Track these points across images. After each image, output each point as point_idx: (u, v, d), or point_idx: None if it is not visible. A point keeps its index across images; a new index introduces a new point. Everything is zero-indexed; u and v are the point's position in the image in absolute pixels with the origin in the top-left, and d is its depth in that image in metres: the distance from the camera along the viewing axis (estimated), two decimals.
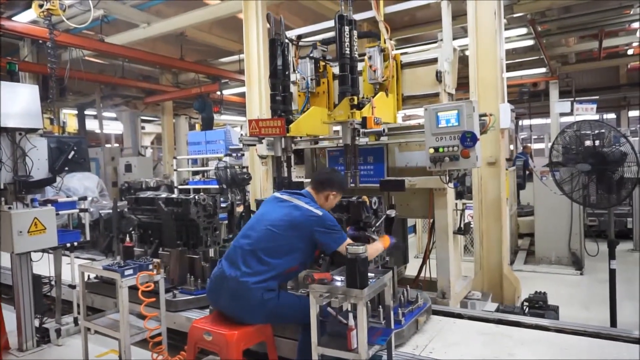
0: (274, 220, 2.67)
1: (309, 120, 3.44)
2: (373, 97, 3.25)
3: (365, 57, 3.45)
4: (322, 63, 3.86)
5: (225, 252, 2.79)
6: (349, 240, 2.64)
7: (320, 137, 4.55)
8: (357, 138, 3.17)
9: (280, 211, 2.71)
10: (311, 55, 3.78)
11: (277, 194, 2.94)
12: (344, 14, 3.05)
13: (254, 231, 2.69)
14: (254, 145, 3.58)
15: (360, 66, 3.44)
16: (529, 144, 14.50)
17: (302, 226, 2.62)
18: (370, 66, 3.43)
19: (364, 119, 2.93)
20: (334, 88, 3.95)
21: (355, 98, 3.02)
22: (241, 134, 3.83)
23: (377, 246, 2.77)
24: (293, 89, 3.82)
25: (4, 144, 3.52)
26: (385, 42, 3.47)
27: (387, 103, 3.41)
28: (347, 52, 3.06)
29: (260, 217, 2.78)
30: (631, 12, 7.94)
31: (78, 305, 3.91)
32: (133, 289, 3.01)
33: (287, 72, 3.44)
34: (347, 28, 3.05)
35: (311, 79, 3.74)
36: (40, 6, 5.67)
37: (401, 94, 3.63)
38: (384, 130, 3.02)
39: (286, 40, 3.42)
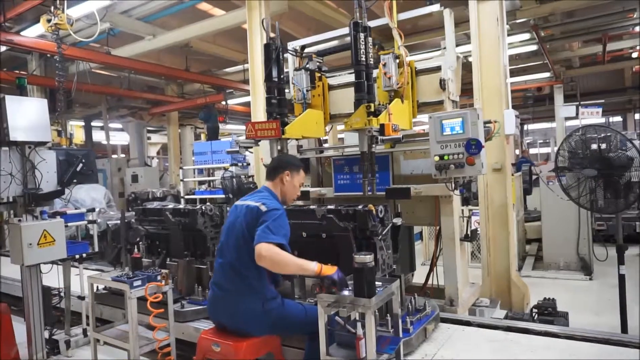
0: (234, 230, 2.61)
1: (304, 123, 3.48)
2: (388, 104, 3.25)
3: (380, 64, 3.46)
4: (317, 74, 3.91)
5: (212, 277, 2.76)
6: (273, 247, 2.31)
7: (326, 146, 4.60)
8: (373, 145, 3.17)
9: (237, 218, 2.65)
10: (307, 66, 3.83)
11: (238, 202, 2.80)
12: (358, 21, 3.05)
13: (225, 247, 2.66)
14: (251, 147, 3.63)
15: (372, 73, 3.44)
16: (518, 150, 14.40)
17: (252, 224, 2.50)
18: (385, 73, 3.42)
19: (382, 126, 2.92)
20: (330, 100, 4.02)
21: (372, 105, 3.02)
22: (237, 137, 3.89)
23: (310, 266, 2.35)
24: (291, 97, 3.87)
25: (13, 157, 3.57)
26: (399, 49, 3.48)
27: (402, 110, 3.41)
28: (363, 59, 3.06)
29: (227, 230, 2.72)
30: (635, 16, 7.93)
31: (87, 317, 3.94)
32: (141, 299, 3.03)
33: (282, 76, 3.48)
34: (362, 35, 3.05)
35: (307, 90, 3.80)
36: (48, 21, 5.78)
37: (416, 100, 3.63)
38: (402, 137, 3.02)
39: (280, 44, 3.46)
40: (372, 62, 3.15)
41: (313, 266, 2.35)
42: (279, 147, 3.43)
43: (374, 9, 3.23)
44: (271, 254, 2.29)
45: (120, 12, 7.11)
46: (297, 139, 3.88)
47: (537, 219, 7.41)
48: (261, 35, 5.65)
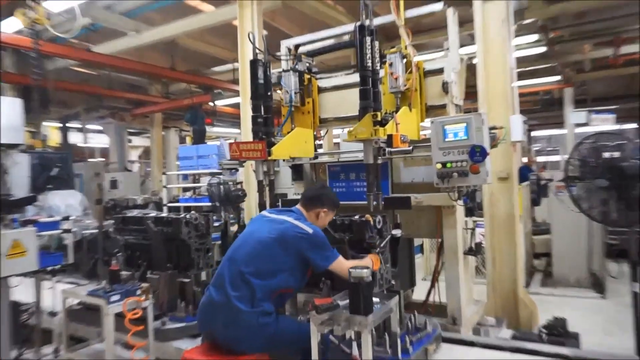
0: (260, 238, 2.72)
1: (292, 142, 3.52)
2: (395, 111, 3.26)
3: (386, 64, 3.48)
4: (307, 76, 3.94)
5: (212, 278, 2.82)
6: (341, 258, 2.72)
7: (320, 151, 4.61)
8: (379, 157, 3.11)
9: (266, 229, 2.76)
10: (295, 67, 3.85)
11: (265, 212, 3.03)
12: (365, 24, 3.03)
13: (240, 252, 2.73)
14: (236, 169, 3.66)
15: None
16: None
17: (290, 243, 2.67)
18: (392, 73, 3.43)
19: (390, 137, 2.92)
20: (319, 103, 4.06)
21: (379, 114, 3.00)
22: (220, 159, 3.92)
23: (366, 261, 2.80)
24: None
25: None
26: (406, 48, 3.50)
27: (410, 118, 3.41)
28: (369, 64, 3.04)
29: (246, 237, 2.82)
30: None
31: (59, 335, 3.89)
32: (119, 316, 3.00)
33: (269, 93, 3.53)
34: (368, 39, 3.04)
35: (295, 93, 3.83)
36: (25, 15, 5.78)
37: (425, 103, 3.65)
38: (412, 149, 2.99)
39: (269, 58, 3.50)
40: (378, 67, 3.16)
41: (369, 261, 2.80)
42: (265, 169, 3.49)
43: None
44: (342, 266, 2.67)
45: (102, 6, 7.11)
46: (284, 160, 3.89)
47: (545, 231, 7.45)
48: (253, 32, 5.68)
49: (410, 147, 2.99)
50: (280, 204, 3.85)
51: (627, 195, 3.61)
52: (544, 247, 7.49)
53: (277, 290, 2.66)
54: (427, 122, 3.54)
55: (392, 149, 2.94)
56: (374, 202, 3.09)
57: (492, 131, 3.22)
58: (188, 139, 14.56)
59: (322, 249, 2.70)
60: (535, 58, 10.03)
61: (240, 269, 2.63)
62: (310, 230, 2.71)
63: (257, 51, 3.53)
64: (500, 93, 4.29)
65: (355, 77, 3.30)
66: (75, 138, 13.78)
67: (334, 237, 2.96)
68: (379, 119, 2.98)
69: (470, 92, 4.52)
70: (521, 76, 10.44)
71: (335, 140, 6.44)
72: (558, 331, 3.82)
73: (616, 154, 3.66)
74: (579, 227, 6.24)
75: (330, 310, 2.28)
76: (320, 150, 4.66)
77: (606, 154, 3.73)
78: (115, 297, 3.03)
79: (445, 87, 3.52)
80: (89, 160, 13.23)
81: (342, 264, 2.69)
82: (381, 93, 3.24)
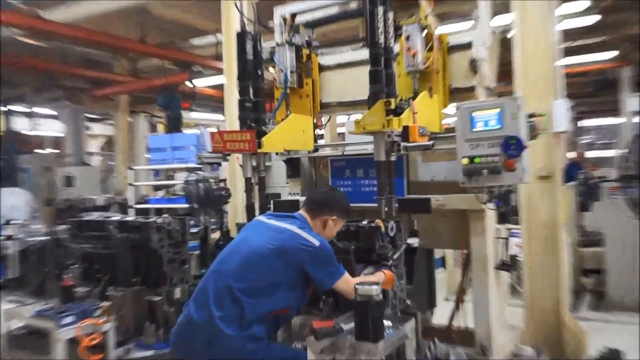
0: (255, 248, 2.74)
1: (286, 132, 3.54)
2: (412, 98, 3.24)
3: (402, 38, 3.47)
4: (305, 51, 3.95)
5: (193, 294, 2.83)
6: (347, 276, 2.72)
7: (321, 142, 4.63)
8: (392, 154, 3.11)
9: (264, 238, 2.78)
10: (292, 40, 3.85)
11: (262, 218, 3.05)
12: None
13: (228, 264, 2.75)
14: (218, 163, 3.69)
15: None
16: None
17: (291, 256, 2.69)
18: (409, 49, 3.43)
19: (405, 129, 2.91)
20: (320, 84, 4.09)
21: (392, 101, 2.98)
22: (200, 152, 3.95)
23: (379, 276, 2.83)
24: None
25: None
26: (427, 18, 3.50)
27: (431, 106, 3.42)
28: (381, 39, 3.01)
29: (237, 246, 2.86)
30: None
31: None
32: (73, 342, 3.01)
33: (259, 72, 3.54)
34: (380, 8, 3.02)
35: (291, 72, 3.85)
36: None
37: (448, 86, 3.66)
38: (433, 144, 3.00)
39: (260, 29, 3.52)
40: (392, 43, 3.14)
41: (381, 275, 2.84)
42: (254, 164, 3.50)
43: None
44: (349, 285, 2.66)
45: None
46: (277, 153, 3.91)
47: (597, 243, 7.44)
48: None
49: (431, 142, 2.99)
50: (272, 206, 3.87)
51: None
52: (594, 262, 7.47)
53: (272, 311, 2.68)
54: (451, 108, 3.55)
55: (409, 144, 2.94)
56: (386, 207, 3.08)
57: (531, 119, 3.22)
58: (160, 127, 14.60)
59: (327, 264, 2.72)
60: (585, 30, 10.00)
61: (229, 283, 2.64)
62: (316, 243, 2.72)
63: (246, 21, 3.54)
64: (541, 73, 4.29)
65: (364, 53, 3.32)
66: (20, 124, 13.80)
67: (337, 246, 2.97)
68: (392, 107, 2.97)
69: (505, 72, 4.53)
70: (568, 53, 10.45)
71: (339, 130, 6.45)
72: None
73: None
74: (637, 238, 6.24)
75: (331, 335, 2.29)
76: (321, 142, 4.68)
77: None
78: (68, 319, 3.05)
79: (473, 65, 3.53)
80: (38, 151, 13.24)
81: (348, 283, 2.70)
82: (395, 75, 3.25)
